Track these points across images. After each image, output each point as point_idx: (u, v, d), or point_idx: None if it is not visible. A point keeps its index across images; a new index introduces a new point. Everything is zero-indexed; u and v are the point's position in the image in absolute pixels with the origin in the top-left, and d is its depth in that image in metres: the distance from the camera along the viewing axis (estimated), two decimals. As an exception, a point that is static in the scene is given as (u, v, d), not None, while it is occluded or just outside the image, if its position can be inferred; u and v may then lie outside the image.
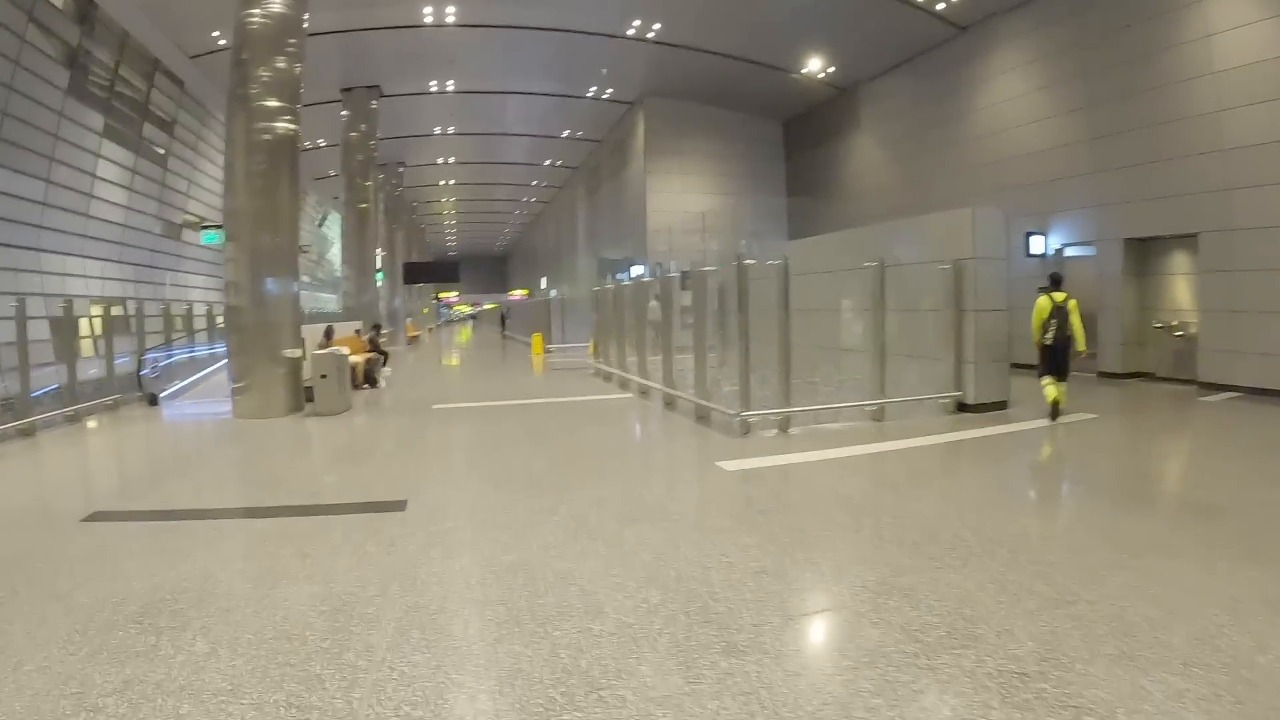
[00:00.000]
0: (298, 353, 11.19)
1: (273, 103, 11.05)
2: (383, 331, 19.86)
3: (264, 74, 11.02)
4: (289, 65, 11.32)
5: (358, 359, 14.04)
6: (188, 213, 29.60)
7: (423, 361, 23.34)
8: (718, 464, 6.63)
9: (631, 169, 26.01)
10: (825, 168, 24.09)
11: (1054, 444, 7.80)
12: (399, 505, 5.39)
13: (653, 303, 12.39)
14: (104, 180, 21.80)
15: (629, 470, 6.43)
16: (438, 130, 29.77)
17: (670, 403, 10.55)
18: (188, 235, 29.51)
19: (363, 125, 24.25)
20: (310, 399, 10.78)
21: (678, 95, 24.62)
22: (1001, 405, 9.60)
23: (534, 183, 40.87)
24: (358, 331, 18.92)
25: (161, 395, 13.18)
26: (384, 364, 18.27)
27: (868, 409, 9.11)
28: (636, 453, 7.30)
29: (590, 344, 23.12)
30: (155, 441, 9.41)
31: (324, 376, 10.75)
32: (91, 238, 21.56)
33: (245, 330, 10.94)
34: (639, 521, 4.85)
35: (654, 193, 24.24)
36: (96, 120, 20.92)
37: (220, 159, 31.92)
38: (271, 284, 10.96)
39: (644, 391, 11.90)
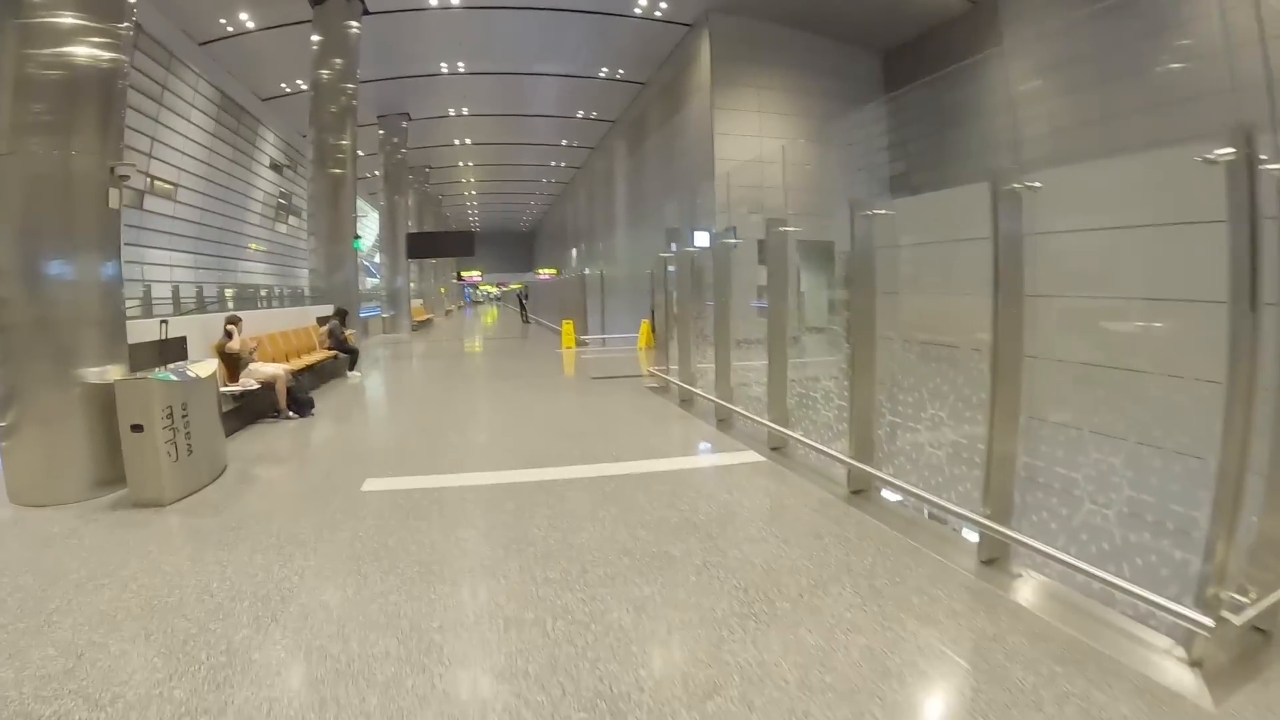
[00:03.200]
0: (117, 373, 5.75)
1: (68, 18, 5.66)
2: (349, 323, 14.31)
3: (57, -30, 5.68)
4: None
5: (278, 370, 8.51)
6: (152, 175, 24.84)
7: (415, 358, 17.84)
8: None
9: (691, 109, 20.16)
10: (943, 109, 18.21)
11: None
12: None
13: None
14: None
15: None
16: (444, 68, 24.01)
17: (860, 490, 4.95)
18: (151, 202, 24.83)
19: (337, 60, 18.28)
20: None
21: (752, 13, 18.79)
22: None
23: (563, 142, 34.97)
24: (320, 321, 13.53)
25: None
26: (352, 366, 12.88)
27: None
28: None
29: (640, 337, 17.58)
30: None
31: (137, 428, 5.26)
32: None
33: (9, 333, 5.56)
34: None
35: (723, 136, 18.41)
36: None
37: (194, 114, 27.14)
38: (59, 265, 5.57)
39: (779, 446, 6.25)
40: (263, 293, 27.82)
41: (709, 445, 6.74)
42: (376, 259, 31.27)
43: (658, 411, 8.62)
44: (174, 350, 7.47)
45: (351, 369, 12.72)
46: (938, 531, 4.38)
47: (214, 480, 5.88)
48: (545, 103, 28.15)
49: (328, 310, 13.92)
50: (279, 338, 11.11)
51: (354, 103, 18.73)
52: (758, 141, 18.48)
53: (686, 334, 9.11)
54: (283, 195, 34.58)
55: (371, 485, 5.43)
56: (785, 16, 18.90)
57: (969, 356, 4.23)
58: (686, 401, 8.87)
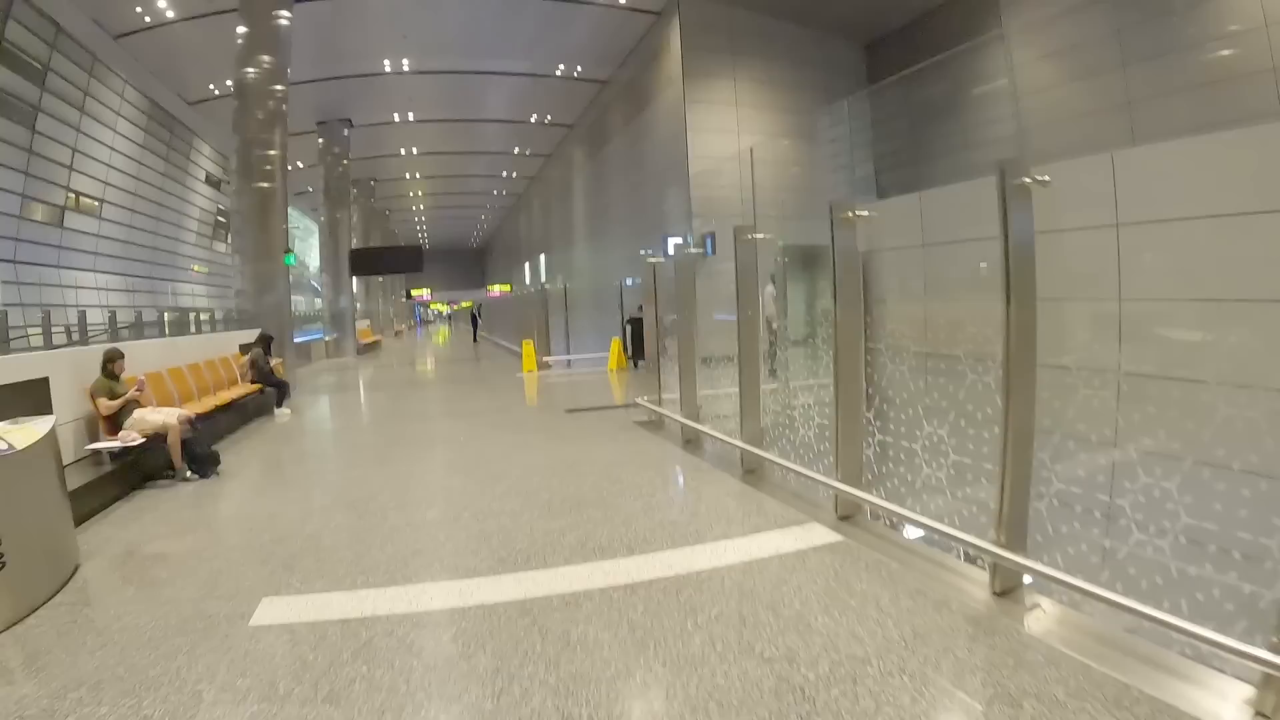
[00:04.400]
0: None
1: None
2: (276, 350, 12.30)
3: None
4: None
5: (169, 419, 6.55)
6: (74, 190, 22.65)
7: (358, 388, 15.89)
8: None
9: (661, 104, 18.54)
10: (934, 103, 16.89)
11: None
12: None
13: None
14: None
15: None
16: (387, 66, 22.02)
17: (1008, 590, 3.29)
18: (73, 220, 22.65)
19: (265, 56, 16.05)
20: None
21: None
22: None
23: (516, 150, 33.11)
24: (243, 349, 11.56)
25: None
26: (280, 401, 10.94)
27: None
28: None
29: (610, 357, 15.83)
30: None
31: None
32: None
33: None
34: None
35: (696, 132, 16.81)
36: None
37: (120, 123, 24.64)
38: None
39: (850, 515, 4.54)
40: (192, 316, 25.58)
41: (751, 515, 4.89)
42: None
43: (660, 460, 6.87)
44: (26, 398, 5.51)
45: (279, 405, 10.75)
46: (1160, 660, 2.74)
47: (52, 596, 4.01)
48: (497, 105, 26.30)
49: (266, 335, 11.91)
50: (185, 372, 9.12)
51: (284, 106, 16.55)
52: (734, 138, 16.95)
53: (690, 357, 7.39)
54: (221, 212, 32.26)
55: (268, 613, 3.54)
56: (760, 3, 17.48)
57: (1245, 399, 2.62)
58: (691, 443, 7.16)
